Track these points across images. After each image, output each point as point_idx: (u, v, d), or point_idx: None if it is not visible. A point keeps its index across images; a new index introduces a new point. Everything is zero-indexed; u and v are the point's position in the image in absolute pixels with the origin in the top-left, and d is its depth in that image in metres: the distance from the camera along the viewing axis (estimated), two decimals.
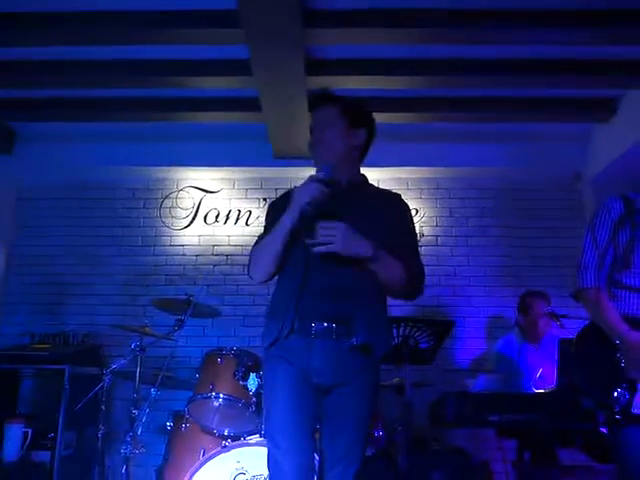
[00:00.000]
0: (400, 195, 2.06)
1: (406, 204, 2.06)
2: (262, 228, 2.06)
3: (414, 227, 2.05)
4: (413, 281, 1.95)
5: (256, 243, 1.98)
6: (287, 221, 1.83)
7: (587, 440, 2.96)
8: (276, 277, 1.97)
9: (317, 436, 1.84)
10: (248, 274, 1.98)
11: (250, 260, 1.96)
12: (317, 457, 1.86)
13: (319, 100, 2.06)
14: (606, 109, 4.07)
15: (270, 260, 1.88)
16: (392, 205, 2.01)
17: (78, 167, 4.63)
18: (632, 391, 1.88)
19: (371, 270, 1.83)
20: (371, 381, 1.85)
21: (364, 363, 1.81)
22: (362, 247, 1.78)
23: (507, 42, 3.33)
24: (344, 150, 1.97)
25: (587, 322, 2.13)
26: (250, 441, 2.79)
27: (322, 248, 1.74)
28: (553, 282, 4.19)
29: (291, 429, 1.72)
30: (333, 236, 1.74)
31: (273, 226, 1.88)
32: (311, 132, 2.03)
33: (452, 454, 3.39)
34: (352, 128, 1.99)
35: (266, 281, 1.95)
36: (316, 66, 3.55)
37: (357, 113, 2.04)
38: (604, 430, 2.76)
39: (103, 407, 3.29)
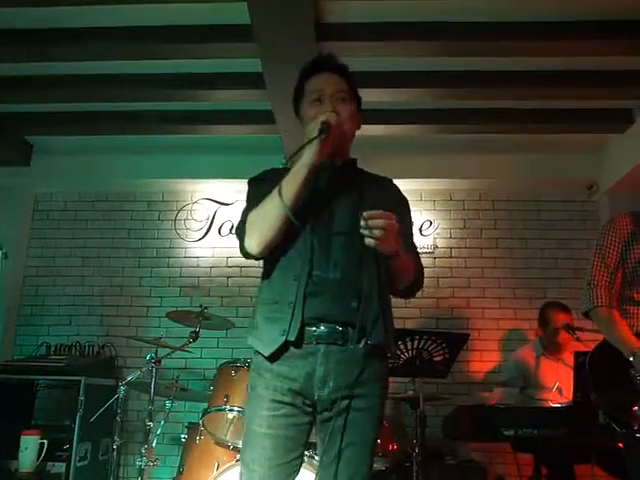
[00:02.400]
0: (391, 179, 1.84)
1: (401, 191, 1.84)
2: None
3: (410, 210, 1.83)
4: (419, 277, 1.72)
5: (246, 214, 1.63)
6: (304, 161, 1.52)
7: (604, 455, 2.92)
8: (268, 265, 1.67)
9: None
10: (242, 246, 1.62)
11: (245, 227, 1.60)
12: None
13: (333, 65, 1.75)
14: (622, 120, 4.04)
15: (276, 226, 1.54)
16: (391, 191, 1.80)
17: (94, 179, 4.69)
18: None
19: (383, 263, 1.59)
20: (382, 390, 1.61)
21: (373, 369, 1.58)
22: (393, 246, 1.50)
23: (522, 54, 3.33)
24: (352, 135, 1.75)
25: (602, 339, 2.12)
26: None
27: (370, 241, 1.44)
28: (568, 294, 4.16)
29: (273, 464, 1.51)
30: (383, 229, 1.43)
31: (264, 196, 1.58)
32: (314, 100, 1.69)
33: (467, 468, 3.36)
34: (359, 112, 1.78)
35: (262, 257, 1.63)
36: None
37: (358, 93, 1.80)
38: (621, 445, 2.72)
39: (118, 418, 3.30)
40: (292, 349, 1.53)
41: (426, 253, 4.52)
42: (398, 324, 4.61)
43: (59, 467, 3.48)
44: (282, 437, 1.51)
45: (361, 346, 1.54)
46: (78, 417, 3.55)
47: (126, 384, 3.23)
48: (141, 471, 3.04)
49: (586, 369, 2.07)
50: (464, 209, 4.64)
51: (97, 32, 3.22)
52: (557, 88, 3.67)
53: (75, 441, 3.52)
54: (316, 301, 1.53)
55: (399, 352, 2.99)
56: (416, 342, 2.95)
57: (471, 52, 3.32)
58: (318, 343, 1.53)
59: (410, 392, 3.22)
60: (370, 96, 3.73)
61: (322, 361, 1.52)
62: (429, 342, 2.97)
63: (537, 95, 3.79)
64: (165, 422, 3.23)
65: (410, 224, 1.80)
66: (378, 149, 4.30)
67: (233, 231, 4.52)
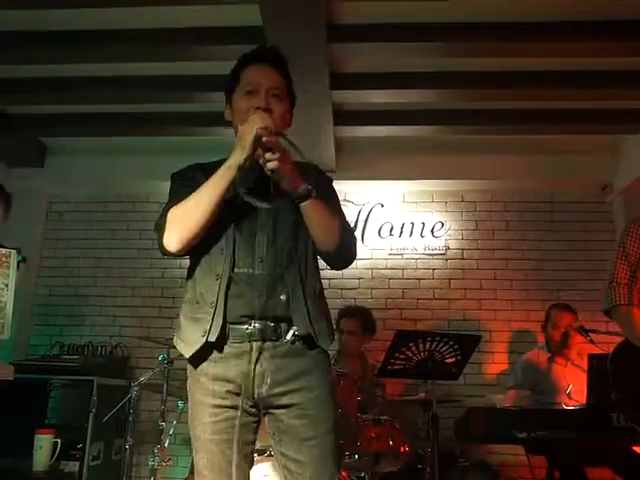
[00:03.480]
0: (316, 165, 1.77)
1: (321, 170, 1.78)
2: None
3: (336, 193, 1.75)
4: (347, 240, 1.61)
5: (166, 210, 1.57)
6: (233, 162, 1.51)
7: (618, 459, 2.89)
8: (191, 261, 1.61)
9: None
10: (160, 243, 1.55)
11: (165, 223, 1.53)
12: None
13: (273, 59, 1.72)
14: (636, 120, 4.01)
15: (198, 222, 1.49)
16: (311, 173, 1.67)
17: (107, 180, 4.73)
18: None
19: (306, 239, 1.56)
20: (323, 380, 1.56)
21: (309, 361, 1.54)
22: (301, 180, 1.51)
23: (534, 54, 3.32)
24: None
25: (622, 339, 2.10)
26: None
27: (272, 164, 1.45)
28: (581, 296, 4.13)
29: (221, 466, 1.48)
30: (278, 157, 1.45)
31: (188, 191, 1.53)
32: (248, 91, 1.64)
33: (479, 471, 3.35)
34: (292, 110, 1.73)
35: (181, 254, 1.55)
36: (340, 80, 3.57)
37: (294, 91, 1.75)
38: (636, 449, 2.70)
39: (131, 419, 3.32)
40: (226, 349, 1.49)
41: (438, 254, 4.50)
42: (410, 325, 4.60)
43: (72, 466, 3.50)
44: (228, 440, 1.48)
45: (290, 339, 1.51)
46: (91, 417, 3.57)
47: (138, 384, 3.25)
48: (153, 471, 3.06)
49: (608, 368, 2.06)
50: (476, 210, 4.62)
51: (111, 34, 3.24)
52: (571, 89, 3.64)
53: (88, 441, 3.54)
54: (242, 299, 1.50)
55: (410, 354, 2.98)
56: (428, 344, 2.94)
57: (485, 53, 3.31)
58: (251, 341, 1.49)
59: (422, 394, 3.21)
60: (382, 97, 3.75)
61: (257, 358, 1.49)
62: (441, 344, 2.95)
63: (550, 96, 3.77)
64: (177, 422, 3.24)
65: (334, 196, 1.73)
66: (389, 150, 4.30)
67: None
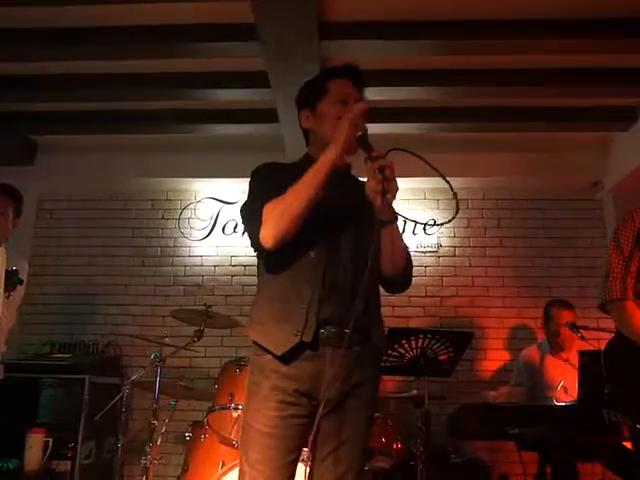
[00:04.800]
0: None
1: None
2: None
3: None
4: (409, 265, 1.72)
5: (257, 206, 1.59)
6: (328, 157, 1.53)
7: (609, 454, 2.92)
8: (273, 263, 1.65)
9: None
10: (256, 238, 1.57)
11: (261, 218, 1.55)
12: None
13: (359, 78, 1.79)
14: (626, 118, 4.04)
15: (296, 218, 1.52)
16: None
17: (98, 178, 4.70)
18: None
19: (376, 259, 1.59)
20: (375, 390, 1.67)
21: (371, 371, 1.64)
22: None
23: (524, 52, 3.32)
24: None
25: (614, 334, 2.11)
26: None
27: (389, 173, 1.50)
28: (572, 292, 4.16)
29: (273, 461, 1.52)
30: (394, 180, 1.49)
31: (274, 189, 1.57)
32: (340, 100, 1.71)
33: (471, 467, 3.37)
34: None
35: (275, 249, 1.56)
36: None
37: None
38: (627, 444, 2.72)
39: (123, 417, 3.31)
40: (306, 351, 1.55)
41: (430, 252, 4.52)
42: (402, 323, 4.63)
43: (64, 465, 3.49)
44: (286, 437, 1.53)
45: (364, 349, 1.60)
46: (83, 415, 3.56)
47: (130, 383, 3.24)
48: (146, 469, 3.05)
49: (602, 362, 2.07)
50: (468, 208, 4.63)
51: (101, 32, 3.22)
52: (561, 86, 3.66)
53: (80, 439, 3.53)
54: (328, 304, 1.56)
55: (403, 351, 3.00)
56: (420, 341, 2.95)
57: (474, 51, 3.31)
58: (326, 345, 1.55)
59: (414, 391, 3.22)
60: (372, 95, 3.74)
61: (330, 363, 1.53)
62: (433, 341, 2.97)
63: (541, 94, 3.79)
64: (169, 421, 3.24)
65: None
66: (380, 148, 4.30)
67: (241, 227, 4.50)
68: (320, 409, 1.48)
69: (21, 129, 4.42)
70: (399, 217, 1.63)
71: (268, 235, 1.54)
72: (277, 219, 1.53)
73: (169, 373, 3.43)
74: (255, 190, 1.69)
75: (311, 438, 1.58)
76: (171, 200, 4.77)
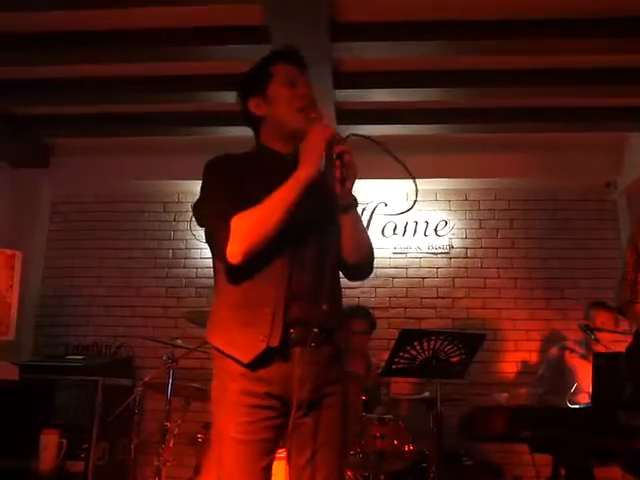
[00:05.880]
0: None
1: None
2: None
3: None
4: (371, 252, 1.71)
5: (214, 213, 1.55)
6: (303, 176, 1.50)
7: (624, 456, 2.89)
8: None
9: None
10: (222, 253, 1.50)
11: (230, 233, 1.48)
12: None
13: (302, 63, 1.75)
14: (639, 118, 4.00)
15: (266, 237, 1.49)
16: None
17: (111, 180, 4.74)
18: None
19: (334, 252, 1.57)
20: (345, 389, 1.64)
21: (338, 369, 1.62)
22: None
23: (537, 52, 3.31)
24: None
25: (634, 335, 2.10)
26: (280, 455, 2.78)
27: (348, 158, 1.51)
28: (586, 294, 4.13)
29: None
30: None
31: (233, 192, 1.54)
32: (290, 82, 1.68)
33: (484, 470, 3.35)
34: None
35: (241, 265, 1.50)
36: (343, 79, 3.57)
37: None
38: None
39: (135, 418, 3.33)
40: (273, 356, 1.50)
41: (442, 253, 4.50)
42: (414, 324, 4.60)
43: (78, 466, 3.51)
44: (261, 441, 1.49)
45: (330, 347, 1.58)
46: (96, 417, 3.58)
47: (143, 384, 3.25)
48: (158, 471, 3.06)
49: (621, 364, 2.05)
50: (479, 209, 4.61)
51: (114, 35, 3.25)
52: (575, 87, 3.64)
53: (93, 441, 3.55)
54: (295, 306, 1.53)
55: (415, 352, 2.98)
56: (432, 342, 2.93)
57: (486, 51, 3.30)
58: (295, 346, 1.52)
59: (427, 393, 3.21)
60: (384, 96, 3.74)
61: (299, 363, 1.49)
62: (445, 343, 2.95)
63: (554, 94, 3.77)
64: (182, 422, 3.25)
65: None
66: (392, 149, 4.28)
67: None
68: (293, 411, 1.47)
69: (36, 132, 4.46)
70: (358, 204, 1.62)
71: (237, 252, 1.48)
72: (247, 236, 1.48)
73: (181, 374, 3.44)
74: (212, 190, 1.63)
75: (288, 443, 1.57)
76: (183, 202, 4.79)
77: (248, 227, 1.48)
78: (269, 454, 1.51)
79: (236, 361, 1.50)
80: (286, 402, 1.51)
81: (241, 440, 1.47)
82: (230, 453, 1.49)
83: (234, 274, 1.56)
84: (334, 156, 1.50)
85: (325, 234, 1.59)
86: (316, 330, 1.52)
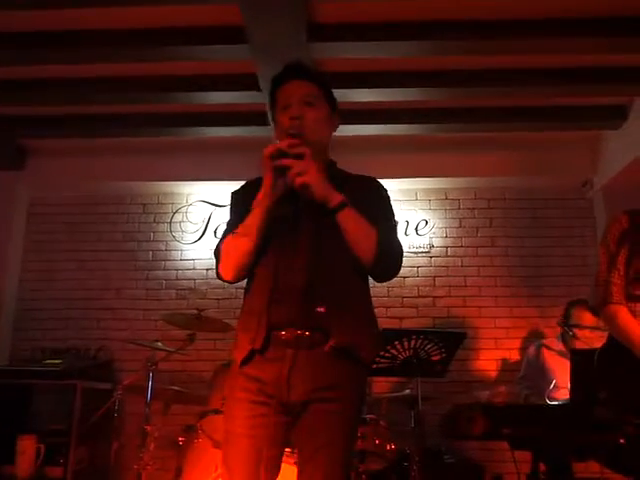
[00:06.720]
0: (374, 178, 1.83)
1: (381, 184, 1.83)
2: None
3: (390, 207, 1.81)
4: (386, 249, 1.62)
5: (223, 238, 1.70)
6: (263, 207, 1.58)
7: (603, 451, 2.92)
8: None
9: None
10: (217, 272, 1.71)
11: (220, 256, 1.68)
12: None
13: (300, 73, 1.75)
14: (616, 116, 4.05)
15: (244, 257, 1.62)
16: (370, 188, 1.79)
17: (89, 182, 4.68)
18: None
19: (346, 252, 1.59)
20: (355, 393, 1.60)
21: (344, 372, 1.57)
22: (332, 190, 1.57)
23: (515, 52, 3.34)
24: (326, 137, 1.77)
25: (607, 334, 2.12)
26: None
27: (300, 180, 1.52)
28: (564, 291, 4.17)
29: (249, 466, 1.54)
30: (306, 166, 1.53)
31: (234, 222, 1.67)
32: (284, 107, 1.71)
33: (465, 467, 3.37)
34: (331, 113, 1.78)
35: (236, 281, 1.71)
36: None
37: (333, 96, 1.81)
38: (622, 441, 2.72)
39: (115, 422, 3.29)
40: (262, 354, 1.58)
41: (422, 252, 4.52)
42: (395, 323, 4.61)
43: (57, 471, 3.46)
44: (262, 436, 1.54)
45: (327, 349, 1.55)
46: (75, 421, 3.53)
47: (123, 387, 3.22)
48: (139, 474, 3.04)
49: (594, 365, 2.07)
50: (459, 208, 4.64)
51: (90, 35, 3.21)
52: (551, 85, 3.68)
53: (72, 445, 3.50)
54: (281, 308, 1.57)
55: (396, 352, 2.99)
56: (413, 341, 2.95)
57: (466, 51, 3.32)
58: (286, 347, 1.56)
59: (407, 391, 3.22)
60: (364, 96, 3.75)
61: (290, 365, 1.55)
62: (426, 341, 2.96)
63: (531, 93, 3.80)
64: (163, 425, 3.22)
65: (386, 214, 1.78)
66: (372, 149, 4.30)
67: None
68: (272, 410, 1.52)
69: (11, 133, 4.39)
70: (346, 204, 1.57)
71: (226, 272, 1.68)
72: (227, 257, 1.66)
73: (162, 377, 3.41)
74: (228, 216, 1.80)
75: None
76: (162, 203, 4.75)
77: (228, 249, 1.66)
78: (271, 448, 1.54)
79: (236, 362, 1.64)
80: (282, 403, 1.55)
81: (243, 434, 1.55)
82: (232, 447, 1.58)
83: (246, 283, 1.72)
84: (279, 171, 1.56)
85: (321, 238, 1.61)
86: (307, 332, 1.55)
